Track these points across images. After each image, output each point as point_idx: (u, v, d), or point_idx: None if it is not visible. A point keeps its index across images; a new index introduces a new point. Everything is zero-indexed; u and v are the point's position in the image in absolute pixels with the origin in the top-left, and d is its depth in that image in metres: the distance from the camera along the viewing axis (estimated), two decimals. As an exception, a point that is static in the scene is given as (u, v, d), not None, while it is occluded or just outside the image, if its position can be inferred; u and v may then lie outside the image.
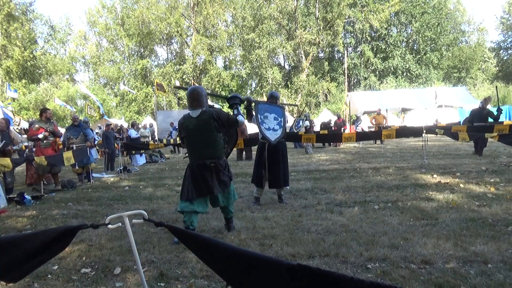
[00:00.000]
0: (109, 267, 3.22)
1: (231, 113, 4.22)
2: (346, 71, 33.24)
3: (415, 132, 11.02)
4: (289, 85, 38.35)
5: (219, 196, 3.94)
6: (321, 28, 36.56)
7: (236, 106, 4.24)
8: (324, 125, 17.60)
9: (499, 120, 12.11)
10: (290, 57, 39.19)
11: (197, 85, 4.41)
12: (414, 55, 39.12)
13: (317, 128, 18.62)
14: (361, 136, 11.96)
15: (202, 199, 3.89)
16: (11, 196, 6.69)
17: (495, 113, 10.29)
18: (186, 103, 4.43)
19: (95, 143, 11.95)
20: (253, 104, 5.10)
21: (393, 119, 24.47)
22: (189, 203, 3.81)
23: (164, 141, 16.38)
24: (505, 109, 20.73)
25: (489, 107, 11.21)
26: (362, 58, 39.03)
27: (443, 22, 38.53)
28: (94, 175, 9.50)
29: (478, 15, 63.72)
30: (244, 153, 12.68)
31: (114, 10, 41.16)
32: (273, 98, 5.56)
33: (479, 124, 10.26)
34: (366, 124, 22.36)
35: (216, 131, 3.85)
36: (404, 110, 25.16)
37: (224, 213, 4.19)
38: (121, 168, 10.47)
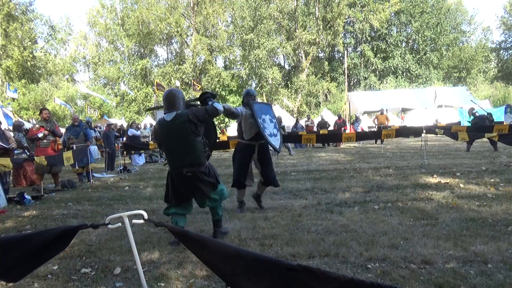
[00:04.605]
0: (109, 267, 3.22)
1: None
2: (346, 71, 33.22)
3: (415, 132, 11.07)
4: (289, 85, 38.35)
5: (205, 198, 3.74)
6: (321, 28, 36.55)
7: (209, 99, 3.92)
8: (320, 125, 17.61)
9: (499, 120, 12.50)
10: (290, 57, 39.15)
11: (174, 87, 3.99)
12: (414, 55, 39.12)
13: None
14: (361, 136, 11.99)
15: (186, 203, 3.78)
16: (11, 196, 6.69)
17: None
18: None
19: (95, 135, 11.92)
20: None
21: (393, 119, 24.50)
22: (173, 207, 3.75)
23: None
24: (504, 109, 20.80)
25: (489, 106, 11.64)
26: (362, 58, 39.02)
27: (443, 22, 38.53)
28: (94, 175, 9.51)
29: (479, 15, 63.68)
30: None
31: (114, 10, 41.16)
32: (250, 97, 5.00)
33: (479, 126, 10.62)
34: (366, 124, 22.37)
35: (193, 135, 3.53)
36: (404, 110, 25.15)
37: (212, 214, 3.95)
38: (121, 168, 10.48)
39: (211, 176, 3.70)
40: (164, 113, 3.69)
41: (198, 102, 4.13)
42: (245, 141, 4.93)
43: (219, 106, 3.78)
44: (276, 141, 4.83)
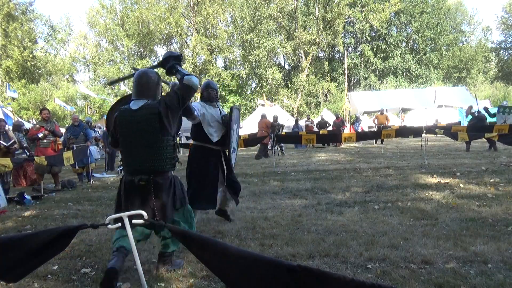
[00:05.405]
0: (109, 267, 3.22)
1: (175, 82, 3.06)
2: (346, 71, 33.25)
3: (415, 132, 11.09)
4: (289, 85, 38.38)
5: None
6: (321, 28, 36.57)
7: (175, 68, 2.93)
8: (320, 125, 17.62)
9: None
10: (290, 57, 39.18)
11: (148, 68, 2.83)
12: (414, 55, 39.15)
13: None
14: (361, 136, 12.00)
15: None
16: (11, 196, 6.69)
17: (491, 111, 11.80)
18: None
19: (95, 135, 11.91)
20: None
21: (393, 119, 24.51)
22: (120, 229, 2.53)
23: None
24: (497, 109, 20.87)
25: (489, 106, 11.65)
26: (362, 58, 39.04)
27: (443, 21, 38.56)
28: (94, 175, 9.51)
29: (479, 15, 63.72)
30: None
31: (113, 10, 41.18)
32: (212, 90, 4.16)
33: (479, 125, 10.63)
34: (366, 124, 22.37)
35: (162, 132, 2.73)
36: (404, 110, 25.18)
37: (162, 244, 3.01)
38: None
39: (171, 193, 2.82)
40: (131, 100, 2.86)
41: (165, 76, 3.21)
42: (209, 145, 4.04)
43: (193, 79, 2.79)
44: (233, 158, 4.41)
